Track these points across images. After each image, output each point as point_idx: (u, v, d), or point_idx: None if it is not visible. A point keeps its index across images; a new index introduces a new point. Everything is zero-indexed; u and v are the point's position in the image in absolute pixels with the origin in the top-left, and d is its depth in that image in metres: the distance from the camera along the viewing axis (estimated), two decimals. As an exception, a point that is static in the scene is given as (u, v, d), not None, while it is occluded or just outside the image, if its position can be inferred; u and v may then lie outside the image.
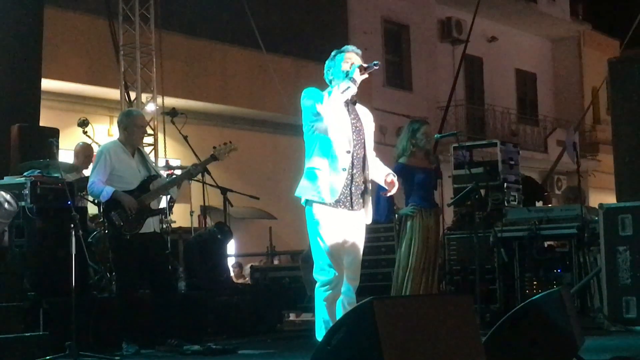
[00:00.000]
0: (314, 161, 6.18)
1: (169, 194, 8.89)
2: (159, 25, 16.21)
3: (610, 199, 10.04)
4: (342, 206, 6.17)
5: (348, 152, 6.18)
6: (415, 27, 26.18)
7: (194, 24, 19.27)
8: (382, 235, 11.27)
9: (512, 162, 11.78)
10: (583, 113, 24.39)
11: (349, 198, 6.20)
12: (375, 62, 6.25)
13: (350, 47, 6.35)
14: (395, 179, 6.40)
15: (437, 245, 9.02)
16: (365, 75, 6.23)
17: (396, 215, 9.35)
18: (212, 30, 19.63)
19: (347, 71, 6.21)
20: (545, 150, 29.00)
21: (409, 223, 8.89)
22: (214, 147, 8.73)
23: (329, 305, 6.10)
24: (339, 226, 6.15)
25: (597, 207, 9.62)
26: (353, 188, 6.22)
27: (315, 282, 6.22)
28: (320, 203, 6.13)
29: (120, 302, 8.50)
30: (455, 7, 26.24)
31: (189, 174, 8.80)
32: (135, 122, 8.60)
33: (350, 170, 6.20)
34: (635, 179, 9.40)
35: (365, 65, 6.22)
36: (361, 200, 6.27)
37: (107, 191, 8.28)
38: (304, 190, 6.17)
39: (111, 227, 8.40)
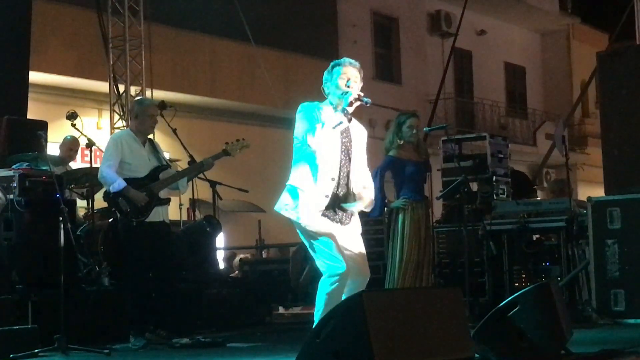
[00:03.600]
0: (298, 180, 6.12)
1: (178, 187, 8.86)
2: (147, 18, 16.15)
3: (599, 192, 10.07)
4: (331, 220, 6.16)
5: (333, 179, 6.15)
6: (404, 20, 26.18)
7: (183, 16, 19.23)
8: (371, 228, 11.31)
9: (501, 156, 11.79)
10: (572, 107, 24.41)
11: (337, 217, 6.18)
12: (367, 100, 6.20)
13: (347, 61, 6.25)
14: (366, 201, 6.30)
15: (428, 238, 9.04)
16: (358, 103, 6.20)
17: (386, 209, 9.34)
18: (201, 23, 19.59)
19: (343, 92, 6.13)
20: (534, 144, 29.03)
21: (400, 216, 8.90)
22: (226, 143, 8.73)
23: (332, 299, 6.04)
24: (330, 227, 6.13)
25: (585, 200, 9.64)
26: (337, 207, 6.20)
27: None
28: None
29: (129, 293, 8.49)
30: (444, 0, 26.24)
31: (200, 167, 8.77)
32: (147, 111, 8.65)
33: (335, 191, 6.18)
34: (623, 172, 9.43)
35: (358, 96, 6.17)
36: (350, 216, 6.24)
37: (120, 184, 8.31)
38: (284, 208, 6.12)
39: (118, 212, 8.43)
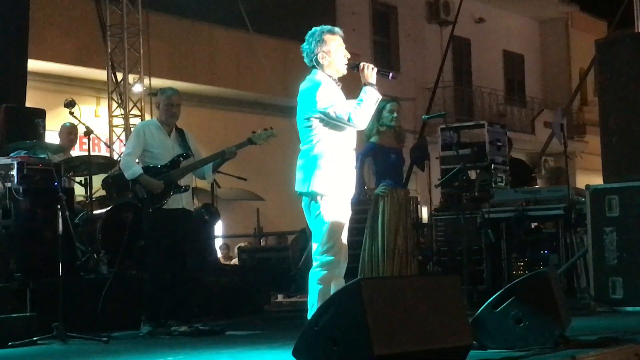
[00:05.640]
0: (327, 158, 6.09)
1: (204, 176, 8.82)
2: (145, 6, 16.15)
3: (597, 180, 10.06)
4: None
5: (354, 149, 6.24)
6: (403, 8, 26.15)
7: (181, 4, 19.19)
8: (364, 217, 11.26)
9: (500, 144, 11.77)
10: (571, 95, 24.39)
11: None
12: (388, 73, 6.28)
13: (338, 30, 6.25)
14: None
15: (409, 226, 9.02)
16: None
17: (368, 194, 9.28)
18: (199, 11, 19.55)
19: (353, 64, 6.15)
20: (532, 132, 29.03)
21: (380, 203, 8.87)
22: (253, 132, 8.66)
23: (324, 286, 6.05)
24: (344, 215, 6.18)
25: (584, 188, 9.64)
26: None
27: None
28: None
29: (148, 279, 8.52)
30: (443, -12, 26.23)
31: (223, 156, 8.63)
32: (164, 100, 8.60)
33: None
34: (621, 160, 9.42)
35: (382, 72, 6.23)
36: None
37: (135, 171, 8.36)
38: (322, 185, 6.07)
39: (135, 199, 8.52)
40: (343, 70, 6.21)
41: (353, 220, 8.00)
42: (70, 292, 8.22)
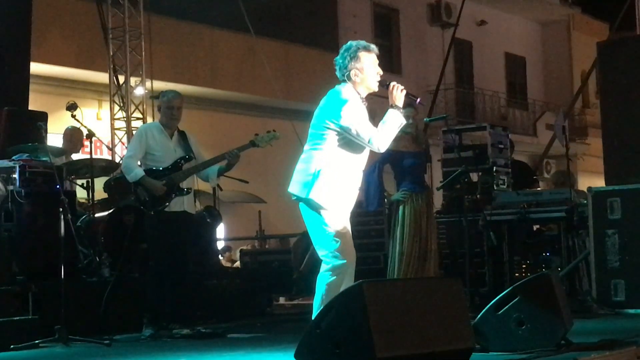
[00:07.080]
0: (333, 169, 6.06)
1: (208, 179, 8.80)
2: (147, 9, 16.14)
3: (599, 183, 10.07)
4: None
5: (362, 170, 6.23)
6: (405, 11, 26.15)
7: (183, 7, 19.20)
8: (372, 219, 11.29)
9: (502, 146, 11.76)
10: (573, 97, 24.38)
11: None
12: (416, 99, 6.34)
13: (373, 47, 6.21)
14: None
15: (430, 229, 9.02)
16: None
17: (388, 201, 9.32)
18: (200, 14, 19.57)
19: (386, 84, 6.12)
20: (534, 134, 29.03)
21: (400, 208, 8.88)
22: (256, 134, 8.65)
23: (332, 290, 6.03)
24: (346, 219, 6.18)
25: (586, 190, 9.64)
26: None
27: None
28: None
29: (150, 283, 8.51)
30: (444, -10, 26.23)
31: (224, 159, 8.56)
32: (165, 103, 8.60)
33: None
34: (624, 162, 9.43)
35: (411, 95, 6.25)
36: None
37: (137, 174, 8.35)
38: (323, 197, 6.03)
39: (137, 202, 8.51)
40: (374, 87, 6.18)
41: (373, 222, 8.05)
42: (72, 295, 8.24)
